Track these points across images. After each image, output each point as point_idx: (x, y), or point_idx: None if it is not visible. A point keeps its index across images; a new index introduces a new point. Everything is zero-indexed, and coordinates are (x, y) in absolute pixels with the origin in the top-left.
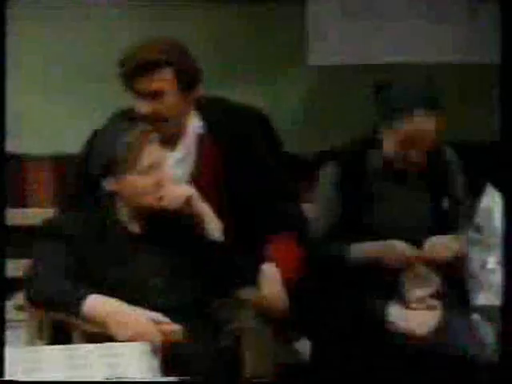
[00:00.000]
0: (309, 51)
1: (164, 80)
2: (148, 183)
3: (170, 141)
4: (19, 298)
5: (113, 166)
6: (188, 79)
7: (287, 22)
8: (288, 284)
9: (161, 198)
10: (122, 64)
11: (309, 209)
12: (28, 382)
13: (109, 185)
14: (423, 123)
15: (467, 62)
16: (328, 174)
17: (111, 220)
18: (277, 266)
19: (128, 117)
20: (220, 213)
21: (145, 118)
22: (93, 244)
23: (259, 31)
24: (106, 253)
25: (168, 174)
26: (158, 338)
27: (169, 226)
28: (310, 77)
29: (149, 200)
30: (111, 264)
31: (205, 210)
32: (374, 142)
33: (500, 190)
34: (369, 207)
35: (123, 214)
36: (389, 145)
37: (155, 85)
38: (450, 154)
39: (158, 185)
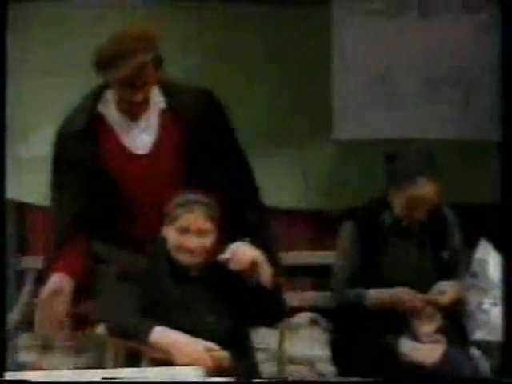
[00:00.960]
0: (333, 127)
1: (143, 61)
2: (182, 242)
3: (135, 112)
4: (101, 329)
5: (163, 218)
6: (157, 58)
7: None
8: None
9: (230, 260)
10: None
11: (332, 257)
12: (28, 381)
13: (162, 231)
14: (424, 188)
15: (462, 138)
16: (347, 230)
17: (167, 261)
18: None
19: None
20: (181, 182)
21: (121, 82)
22: (155, 283)
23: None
24: (165, 291)
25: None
26: (210, 363)
27: (222, 272)
28: (332, 148)
29: (187, 258)
30: (171, 301)
31: (263, 264)
32: (385, 203)
33: (495, 244)
34: (381, 257)
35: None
36: (396, 205)
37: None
38: (447, 211)
39: (191, 246)
